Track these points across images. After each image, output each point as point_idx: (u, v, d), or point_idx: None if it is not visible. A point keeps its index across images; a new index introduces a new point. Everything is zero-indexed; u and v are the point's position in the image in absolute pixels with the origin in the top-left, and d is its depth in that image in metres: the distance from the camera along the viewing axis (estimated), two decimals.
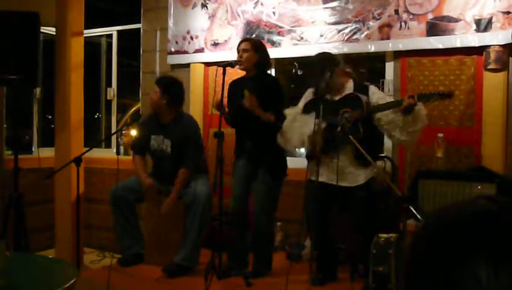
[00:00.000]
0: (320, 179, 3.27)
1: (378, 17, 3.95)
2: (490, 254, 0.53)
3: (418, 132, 3.22)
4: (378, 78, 4.23)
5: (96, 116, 6.48)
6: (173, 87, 3.88)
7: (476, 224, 0.56)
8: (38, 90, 5.32)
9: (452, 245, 0.56)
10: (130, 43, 5.73)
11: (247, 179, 3.71)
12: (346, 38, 4.07)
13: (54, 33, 4.68)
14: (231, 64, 3.60)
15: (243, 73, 3.79)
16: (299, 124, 3.39)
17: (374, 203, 3.41)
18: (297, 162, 4.40)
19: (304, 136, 3.33)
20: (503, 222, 0.55)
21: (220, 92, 3.57)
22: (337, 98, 3.43)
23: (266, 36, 4.43)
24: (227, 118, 3.71)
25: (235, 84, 3.80)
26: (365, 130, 3.26)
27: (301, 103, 3.56)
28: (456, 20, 3.67)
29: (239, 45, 3.72)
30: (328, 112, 3.35)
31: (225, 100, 3.70)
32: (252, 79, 3.66)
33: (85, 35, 4.85)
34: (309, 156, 3.50)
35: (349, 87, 3.42)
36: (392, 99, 3.44)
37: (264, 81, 3.66)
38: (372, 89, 3.41)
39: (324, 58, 3.41)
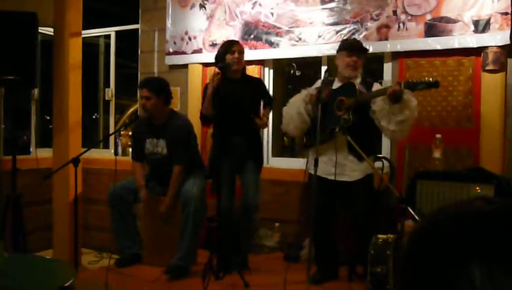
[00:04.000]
0: (318, 173, 3.18)
1: (376, 18, 3.96)
2: (484, 255, 0.53)
3: (407, 123, 3.15)
4: (376, 79, 4.21)
5: (94, 117, 6.47)
6: (166, 87, 3.90)
7: (471, 225, 0.56)
8: (36, 91, 5.32)
9: (447, 245, 0.56)
10: (128, 43, 5.73)
11: (234, 186, 3.80)
12: (344, 39, 4.07)
13: (52, 34, 4.67)
14: (228, 64, 3.60)
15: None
16: (290, 107, 3.54)
17: (373, 202, 3.38)
18: (294, 162, 4.41)
19: (292, 119, 3.48)
20: (498, 223, 0.55)
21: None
22: (335, 86, 3.44)
23: (264, 37, 4.43)
24: (207, 116, 3.67)
25: (223, 86, 3.62)
26: (358, 121, 3.25)
27: (305, 91, 3.58)
28: (454, 21, 3.67)
29: (233, 45, 3.72)
30: (326, 99, 3.37)
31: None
32: (242, 81, 3.74)
33: (83, 35, 4.84)
34: (304, 145, 3.60)
35: (357, 82, 3.43)
36: None
37: (252, 82, 3.84)
38: (377, 86, 3.41)
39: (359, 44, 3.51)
